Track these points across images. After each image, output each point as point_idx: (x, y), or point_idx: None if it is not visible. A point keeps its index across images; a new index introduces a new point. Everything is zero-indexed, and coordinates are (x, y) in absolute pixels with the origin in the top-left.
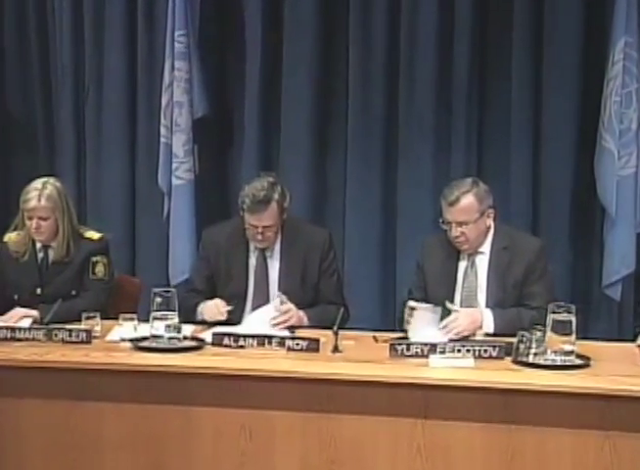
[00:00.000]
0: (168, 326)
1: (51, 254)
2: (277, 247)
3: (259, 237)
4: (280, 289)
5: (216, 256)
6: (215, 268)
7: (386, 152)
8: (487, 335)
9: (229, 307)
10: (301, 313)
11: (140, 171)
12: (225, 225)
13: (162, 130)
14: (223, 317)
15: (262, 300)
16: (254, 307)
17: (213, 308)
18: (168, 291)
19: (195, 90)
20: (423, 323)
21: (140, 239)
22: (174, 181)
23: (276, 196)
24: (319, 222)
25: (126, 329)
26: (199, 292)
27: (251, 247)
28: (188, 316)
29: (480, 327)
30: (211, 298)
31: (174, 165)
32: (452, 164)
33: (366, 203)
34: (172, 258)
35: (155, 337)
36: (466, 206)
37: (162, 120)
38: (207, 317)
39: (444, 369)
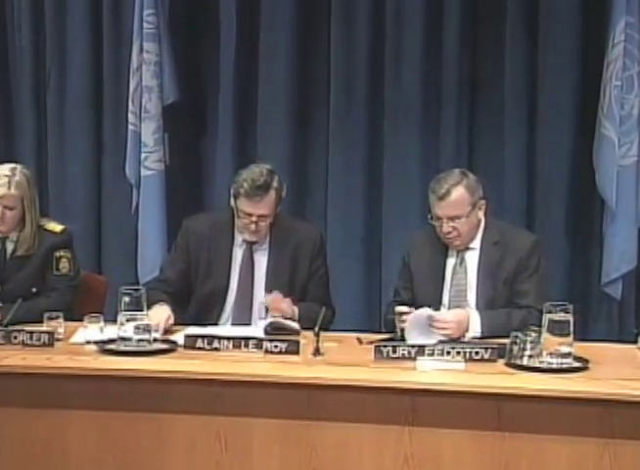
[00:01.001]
0: (137, 327)
1: (9, 247)
2: (266, 242)
3: (253, 227)
4: (266, 287)
5: (197, 247)
6: (195, 261)
7: (370, 141)
8: (474, 339)
9: (161, 330)
10: (293, 306)
11: (106, 161)
12: (208, 215)
13: (130, 117)
14: (157, 334)
15: (245, 299)
16: (237, 307)
17: (160, 319)
18: (137, 289)
19: (165, 74)
20: (418, 327)
21: (106, 234)
22: (143, 172)
23: (275, 184)
24: (298, 217)
25: (92, 331)
26: (170, 283)
27: (237, 240)
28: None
29: (467, 330)
30: (183, 294)
31: (143, 155)
32: (441, 153)
33: (349, 195)
34: (141, 254)
35: (122, 339)
36: (457, 199)
37: (130, 107)
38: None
39: (433, 373)
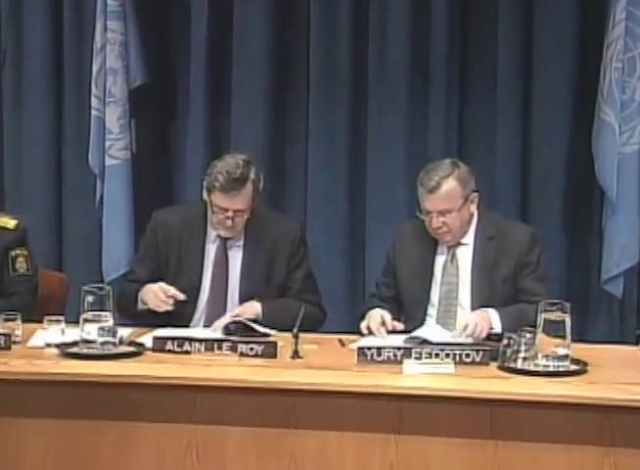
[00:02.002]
0: (102, 329)
1: None
2: (241, 237)
3: (228, 223)
4: (240, 286)
5: (168, 241)
6: (165, 257)
7: (353, 127)
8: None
9: (178, 294)
10: (255, 303)
11: (68, 150)
12: (179, 209)
13: (94, 102)
14: (169, 306)
15: (219, 298)
16: (210, 307)
17: (157, 294)
18: (102, 288)
19: (131, 55)
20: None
21: (68, 228)
22: (108, 161)
23: (252, 176)
24: (276, 210)
25: (52, 333)
26: (142, 284)
27: (210, 235)
28: (129, 309)
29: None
30: None
31: (108, 143)
32: (429, 141)
33: (330, 186)
34: (106, 250)
35: (85, 342)
36: (448, 192)
37: (94, 90)
38: (151, 305)
39: (421, 377)
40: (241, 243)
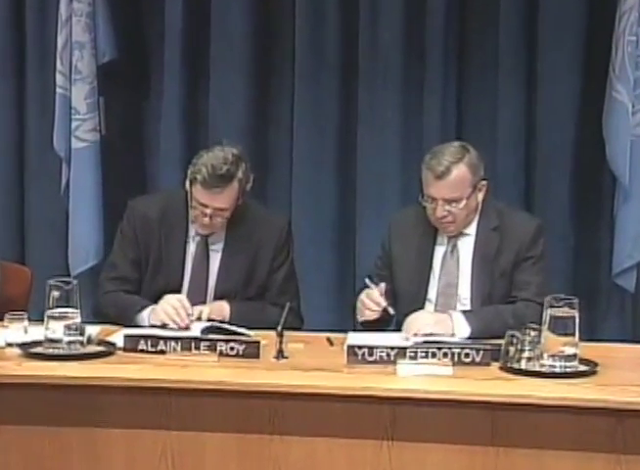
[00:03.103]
0: (68, 327)
1: None
2: (223, 235)
3: (205, 220)
4: (217, 287)
5: (146, 235)
6: (144, 252)
7: (342, 108)
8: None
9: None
10: (224, 304)
11: (30, 131)
12: (158, 197)
13: (59, 79)
14: (187, 321)
15: (198, 299)
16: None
17: (175, 305)
18: (68, 282)
19: (100, 27)
20: None
21: (31, 217)
22: (74, 144)
23: (239, 174)
24: (259, 199)
25: (14, 331)
26: (130, 281)
27: (192, 230)
28: (121, 318)
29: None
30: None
31: (74, 124)
32: (425, 121)
33: (317, 172)
34: (73, 240)
35: (50, 341)
36: (457, 178)
37: (59, 66)
38: (165, 320)
39: (416, 378)
40: (222, 241)
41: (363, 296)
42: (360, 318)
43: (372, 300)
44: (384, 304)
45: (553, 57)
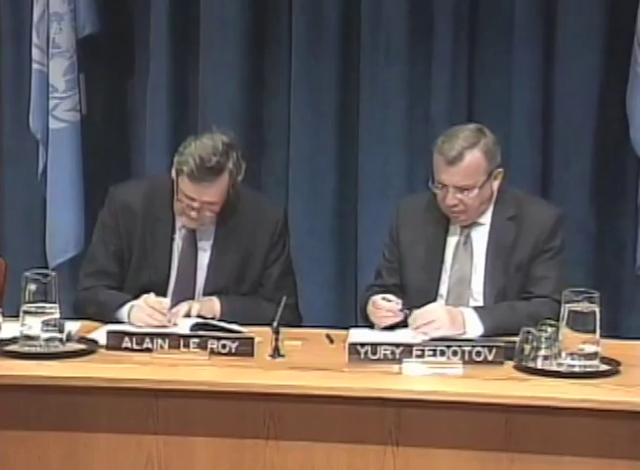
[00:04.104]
0: (46, 323)
1: None
2: (212, 227)
3: (193, 214)
4: (207, 284)
5: (129, 224)
6: (127, 242)
7: (342, 84)
8: None
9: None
10: (215, 300)
11: (4, 111)
12: (142, 184)
13: (35, 53)
14: (164, 321)
15: (185, 295)
16: (175, 305)
17: (145, 310)
18: (46, 275)
19: None
20: None
21: (5, 204)
22: (52, 124)
23: (230, 165)
24: (252, 185)
25: None
26: (111, 275)
27: (179, 221)
28: (102, 315)
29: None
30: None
31: (52, 102)
32: (433, 100)
33: (316, 154)
34: (51, 229)
35: (27, 338)
36: (471, 165)
37: (35, 39)
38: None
39: (423, 378)
40: (211, 235)
41: (375, 303)
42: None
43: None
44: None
45: (573, 29)
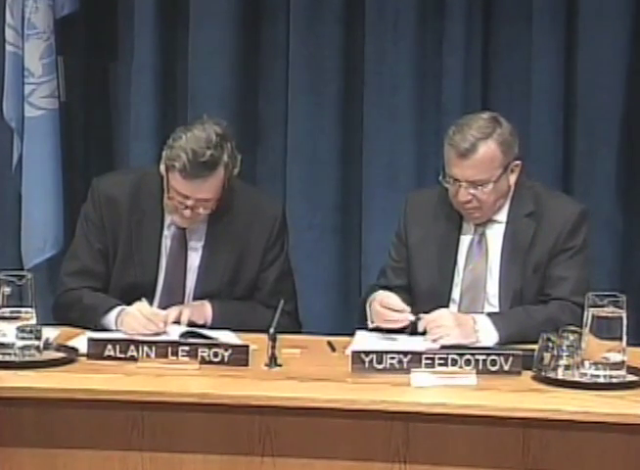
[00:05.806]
0: (22, 330)
1: None
2: (204, 225)
3: (186, 213)
4: (198, 287)
5: (114, 219)
6: (112, 240)
7: (345, 68)
8: None
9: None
10: (207, 304)
11: None
12: (128, 177)
13: (8, 34)
14: (158, 328)
15: (174, 298)
16: (163, 308)
17: (139, 319)
18: (22, 277)
19: None
20: None
21: None
22: (28, 112)
23: (225, 158)
24: (247, 178)
25: None
26: (92, 275)
27: (168, 218)
28: (84, 321)
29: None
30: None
31: (28, 88)
32: (445, 85)
33: (316, 144)
34: (27, 227)
35: (1, 345)
36: (485, 158)
37: (8, 19)
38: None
39: (434, 390)
40: (203, 234)
41: (377, 303)
42: (372, 325)
43: (392, 308)
44: (411, 317)
45: (598, 6)
